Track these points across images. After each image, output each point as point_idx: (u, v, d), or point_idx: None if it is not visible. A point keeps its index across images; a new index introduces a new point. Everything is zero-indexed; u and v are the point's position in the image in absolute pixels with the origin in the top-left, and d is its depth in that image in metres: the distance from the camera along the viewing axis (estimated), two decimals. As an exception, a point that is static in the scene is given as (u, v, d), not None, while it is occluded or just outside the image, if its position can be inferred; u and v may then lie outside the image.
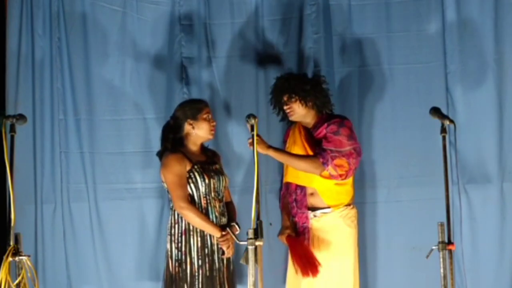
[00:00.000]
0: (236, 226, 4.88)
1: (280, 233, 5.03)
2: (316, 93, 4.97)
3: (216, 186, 4.87)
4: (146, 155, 5.49)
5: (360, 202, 5.26)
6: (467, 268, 5.10)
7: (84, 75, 5.60)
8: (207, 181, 4.84)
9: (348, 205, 4.97)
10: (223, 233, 4.76)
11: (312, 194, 4.96)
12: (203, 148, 5.01)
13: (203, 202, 4.84)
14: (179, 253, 4.82)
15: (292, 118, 5.03)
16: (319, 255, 4.88)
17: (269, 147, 4.82)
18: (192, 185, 4.84)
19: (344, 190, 4.95)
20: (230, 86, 5.58)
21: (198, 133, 4.93)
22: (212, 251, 4.83)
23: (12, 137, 4.31)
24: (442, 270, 4.24)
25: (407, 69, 5.47)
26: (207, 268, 4.81)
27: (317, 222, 4.94)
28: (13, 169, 4.27)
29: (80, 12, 5.64)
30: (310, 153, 4.93)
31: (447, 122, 4.44)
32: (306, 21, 5.54)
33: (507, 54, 5.38)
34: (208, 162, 4.94)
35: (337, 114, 5.10)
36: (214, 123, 4.98)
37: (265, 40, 5.57)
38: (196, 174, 4.84)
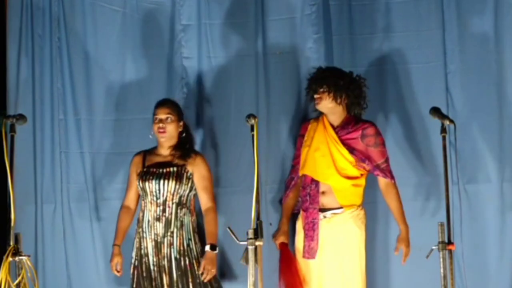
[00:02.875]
0: (209, 252, 4.83)
1: (276, 235, 5.03)
2: (349, 91, 4.96)
3: (153, 189, 4.90)
4: (146, 155, 5.49)
5: (360, 202, 5.26)
6: (467, 268, 5.09)
7: (84, 75, 5.61)
8: (141, 184, 4.94)
9: (358, 205, 4.98)
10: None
11: (324, 192, 4.92)
12: (177, 147, 5.03)
13: (143, 204, 4.98)
14: (132, 253, 4.99)
15: (318, 107, 4.99)
16: (328, 255, 4.85)
17: (406, 234, 4.91)
18: (138, 187, 4.99)
19: (358, 192, 4.97)
20: (230, 86, 5.58)
21: (155, 134, 5.03)
22: (147, 253, 4.92)
23: (12, 137, 4.32)
24: (442, 270, 4.24)
25: (407, 69, 5.47)
26: (143, 269, 4.91)
27: (328, 223, 4.90)
28: (13, 169, 4.27)
29: (80, 12, 5.64)
30: (340, 147, 4.91)
31: (447, 122, 4.44)
32: (306, 21, 5.54)
33: (507, 54, 5.38)
34: (162, 164, 4.98)
35: (364, 119, 5.09)
36: (160, 125, 4.98)
37: (265, 40, 5.57)
38: (139, 177, 4.98)
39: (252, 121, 4.32)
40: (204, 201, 5.01)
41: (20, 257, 4.21)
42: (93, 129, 5.57)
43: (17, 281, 4.20)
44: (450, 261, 4.24)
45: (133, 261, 4.98)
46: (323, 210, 4.93)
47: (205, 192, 5.01)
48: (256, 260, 4.09)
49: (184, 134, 5.09)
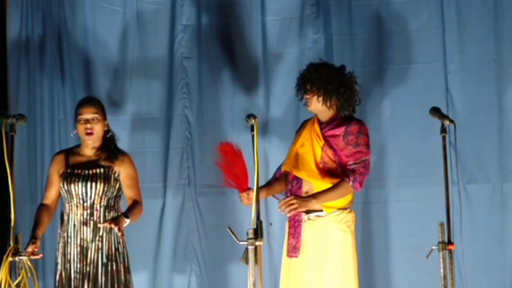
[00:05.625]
0: (123, 218, 4.54)
1: None
2: (339, 94, 4.68)
3: (80, 192, 4.63)
4: (145, 155, 5.50)
5: (360, 202, 5.25)
6: (467, 268, 5.09)
7: (84, 75, 5.61)
8: (66, 187, 4.64)
9: (344, 208, 4.67)
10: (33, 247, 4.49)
11: (307, 193, 4.67)
12: (102, 148, 4.74)
13: (67, 207, 4.67)
14: (57, 259, 4.73)
15: (308, 108, 4.76)
16: (309, 258, 4.73)
17: (307, 200, 4.59)
18: (62, 189, 4.69)
19: None
20: (230, 86, 5.58)
21: (80, 135, 4.72)
22: (70, 260, 4.67)
23: (12, 137, 4.31)
24: (442, 270, 4.24)
25: (407, 69, 5.47)
26: (65, 277, 4.65)
27: (311, 226, 4.74)
28: (13, 169, 4.27)
29: (80, 12, 5.64)
30: (321, 142, 4.74)
31: (447, 122, 4.43)
32: (306, 21, 5.55)
33: (507, 54, 5.38)
34: (87, 165, 4.70)
35: (354, 117, 4.77)
36: (86, 126, 4.65)
37: (265, 40, 5.57)
38: (63, 178, 4.66)
39: (252, 121, 4.30)
40: (131, 196, 4.70)
41: (20, 257, 4.21)
42: (93, 129, 5.57)
43: (17, 281, 4.20)
44: (450, 261, 4.24)
45: (59, 267, 4.67)
46: (308, 211, 4.68)
47: (132, 189, 4.70)
48: (256, 260, 4.09)
49: (109, 134, 4.75)
